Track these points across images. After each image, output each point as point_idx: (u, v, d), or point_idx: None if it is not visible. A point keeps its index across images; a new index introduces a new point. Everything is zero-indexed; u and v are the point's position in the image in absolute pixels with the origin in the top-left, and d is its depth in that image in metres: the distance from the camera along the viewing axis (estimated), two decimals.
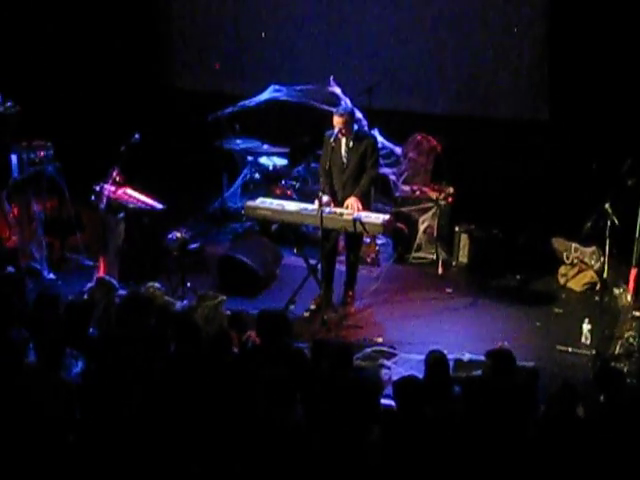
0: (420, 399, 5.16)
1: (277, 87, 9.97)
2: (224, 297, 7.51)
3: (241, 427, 4.99)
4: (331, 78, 9.58)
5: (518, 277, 8.96)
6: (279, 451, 4.80)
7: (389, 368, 7.12)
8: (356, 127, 8.19)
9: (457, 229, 9.37)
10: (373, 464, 4.80)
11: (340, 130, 7.93)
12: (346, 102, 9.09)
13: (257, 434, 4.88)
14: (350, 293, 8.35)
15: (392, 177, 9.73)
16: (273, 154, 10.21)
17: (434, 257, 9.35)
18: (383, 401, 5.63)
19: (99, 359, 5.63)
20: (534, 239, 9.29)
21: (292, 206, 8.36)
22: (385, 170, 9.62)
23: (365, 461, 4.81)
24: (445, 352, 5.89)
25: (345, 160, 8.06)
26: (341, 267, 8.43)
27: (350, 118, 8.07)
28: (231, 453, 4.88)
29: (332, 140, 7.95)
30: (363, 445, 4.88)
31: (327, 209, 7.92)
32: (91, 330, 6.25)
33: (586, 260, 8.86)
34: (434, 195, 9.46)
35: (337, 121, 7.96)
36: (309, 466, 4.78)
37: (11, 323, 6.00)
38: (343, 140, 8.02)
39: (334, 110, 8.22)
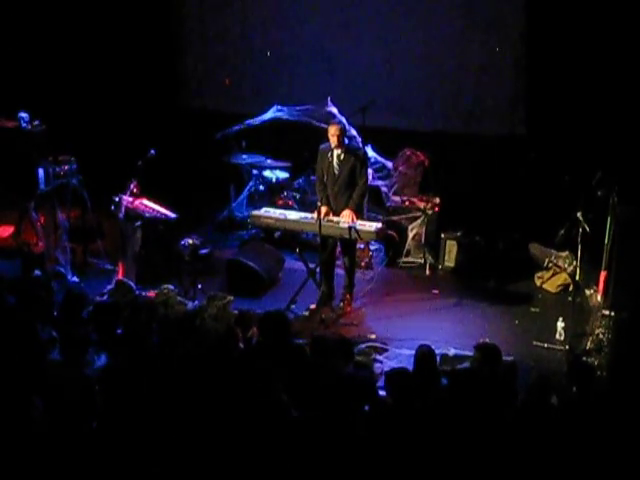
0: (410, 389, 5.15)
1: (279, 107, 9.97)
2: (232, 297, 7.49)
3: (243, 416, 4.96)
4: (328, 99, 9.59)
5: (498, 279, 8.94)
6: (275, 440, 4.77)
7: (381, 362, 7.12)
8: (347, 141, 8.19)
9: (443, 236, 9.36)
10: (364, 450, 4.78)
11: (335, 140, 7.89)
12: (342, 120, 9.10)
13: (255, 423, 4.85)
14: (348, 296, 8.30)
15: (384, 189, 9.75)
16: (276, 168, 10.20)
17: (422, 261, 9.36)
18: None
19: (123, 356, 5.62)
20: (513, 245, 9.29)
21: (293, 215, 8.38)
22: (377, 182, 9.66)
23: (356, 448, 4.78)
24: (432, 347, 5.90)
25: (337, 171, 8.03)
26: (338, 270, 8.44)
27: (343, 130, 8.07)
28: (233, 442, 4.85)
29: (329, 154, 7.98)
30: (355, 434, 4.86)
31: (325, 218, 7.94)
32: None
33: (560, 264, 8.86)
34: (422, 205, 9.47)
35: (333, 131, 7.93)
36: (304, 455, 4.76)
37: (38, 321, 5.99)
38: (335, 152, 8.01)
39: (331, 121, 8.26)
